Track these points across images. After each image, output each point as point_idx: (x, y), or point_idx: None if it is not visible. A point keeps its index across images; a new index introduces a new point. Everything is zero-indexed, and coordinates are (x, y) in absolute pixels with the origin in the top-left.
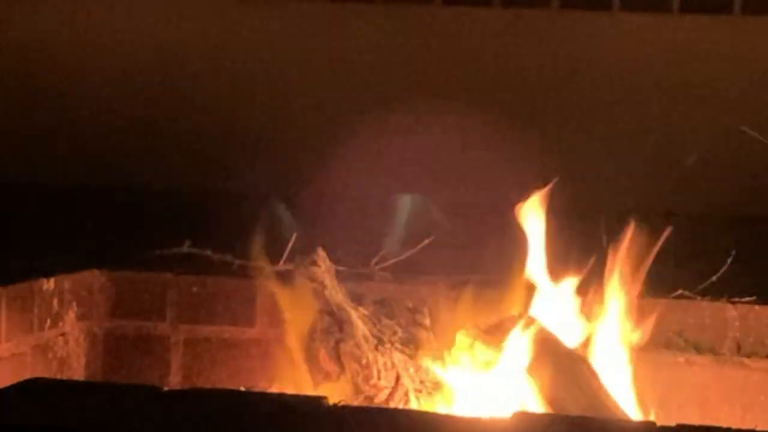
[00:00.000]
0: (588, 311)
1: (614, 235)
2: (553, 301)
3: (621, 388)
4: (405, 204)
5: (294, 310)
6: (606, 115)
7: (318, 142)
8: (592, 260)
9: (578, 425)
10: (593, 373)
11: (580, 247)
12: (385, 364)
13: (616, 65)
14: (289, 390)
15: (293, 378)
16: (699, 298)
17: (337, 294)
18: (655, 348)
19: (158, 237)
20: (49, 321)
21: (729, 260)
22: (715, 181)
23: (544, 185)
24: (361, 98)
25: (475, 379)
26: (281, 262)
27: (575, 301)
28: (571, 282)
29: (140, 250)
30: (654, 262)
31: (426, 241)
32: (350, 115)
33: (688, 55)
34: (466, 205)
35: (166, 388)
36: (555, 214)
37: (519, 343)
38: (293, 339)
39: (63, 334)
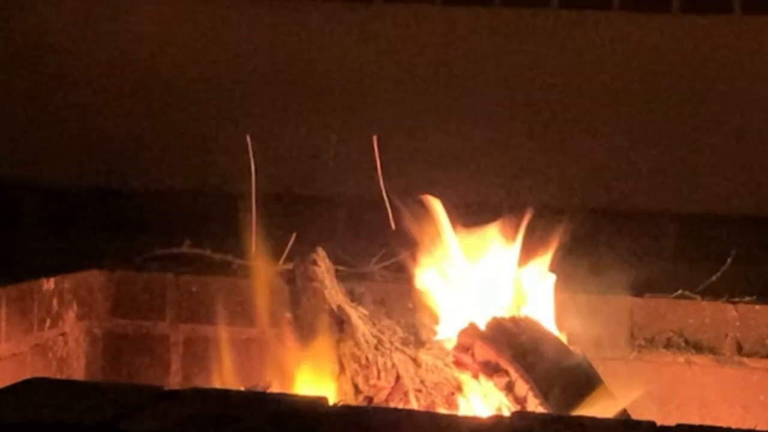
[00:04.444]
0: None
1: (614, 234)
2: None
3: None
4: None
5: (294, 310)
6: (606, 114)
7: (317, 142)
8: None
9: (577, 425)
10: (595, 373)
11: (579, 245)
12: (385, 364)
13: (617, 65)
14: (289, 390)
15: (293, 378)
16: (699, 298)
17: (337, 294)
18: (655, 348)
19: (158, 237)
20: (49, 321)
21: (729, 260)
22: (715, 181)
23: None
24: (360, 98)
25: (474, 378)
26: (281, 262)
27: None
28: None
29: (140, 250)
30: (654, 261)
31: None
32: (350, 115)
33: (689, 55)
34: (466, 204)
35: (166, 388)
36: (554, 212)
37: (519, 343)
38: (293, 339)
39: (63, 334)
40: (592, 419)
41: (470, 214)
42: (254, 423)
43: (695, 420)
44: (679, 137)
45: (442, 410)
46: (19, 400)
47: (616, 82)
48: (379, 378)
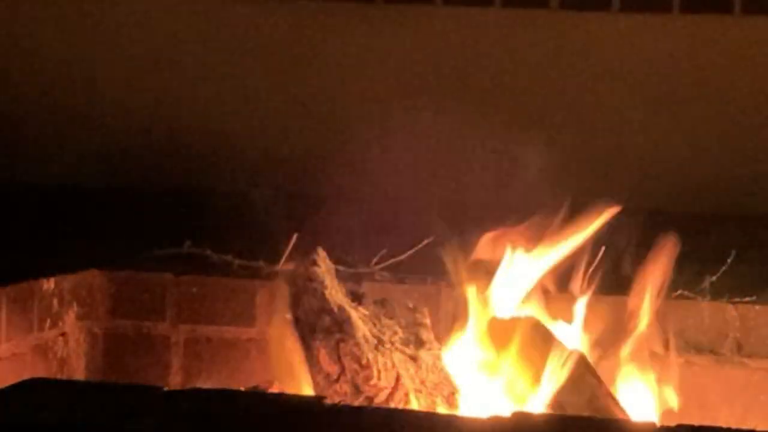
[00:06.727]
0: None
1: (612, 234)
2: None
3: (621, 388)
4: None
5: (294, 311)
6: (606, 114)
7: (318, 142)
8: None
9: (578, 425)
10: (594, 374)
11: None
12: (385, 364)
13: (616, 65)
14: (289, 390)
15: (293, 378)
16: (699, 298)
17: (337, 294)
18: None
19: (158, 237)
20: (49, 321)
21: (729, 260)
22: (715, 181)
23: None
24: (360, 98)
25: (476, 379)
26: (281, 262)
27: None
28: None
29: (140, 250)
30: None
31: (426, 241)
32: (350, 115)
33: (688, 55)
34: (466, 205)
35: (166, 388)
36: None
37: (522, 345)
38: (293, 339)
39: (63, 334)
40: (593, 419)
41: (471, 215)
42: (254, 423)
43: (695, 420)
44: (678, 137)
45: (441, 410)
46: (19, 401)
47: (615, 81)
48: (379, 378)
